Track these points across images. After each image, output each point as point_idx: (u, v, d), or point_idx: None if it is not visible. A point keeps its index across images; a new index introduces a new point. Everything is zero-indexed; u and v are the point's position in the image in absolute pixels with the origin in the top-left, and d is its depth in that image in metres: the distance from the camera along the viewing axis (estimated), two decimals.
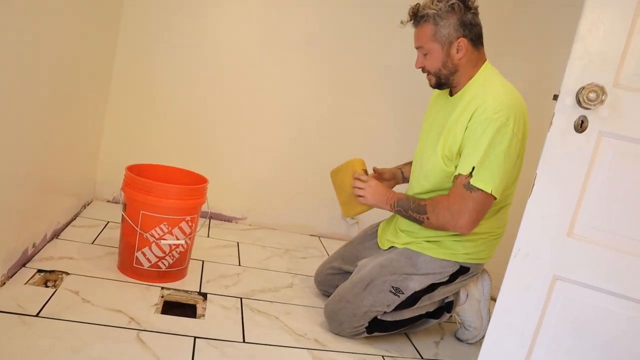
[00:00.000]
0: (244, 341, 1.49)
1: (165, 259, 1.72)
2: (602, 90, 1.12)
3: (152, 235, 1.68)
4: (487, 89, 1.50)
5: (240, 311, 1.67)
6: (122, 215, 1.72)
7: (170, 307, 1.60)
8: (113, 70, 2.34)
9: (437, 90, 1.72)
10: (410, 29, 1.60)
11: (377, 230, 1.86)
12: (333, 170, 1.84)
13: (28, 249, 1.64)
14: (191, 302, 1.66)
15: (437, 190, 1.59)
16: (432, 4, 1.52)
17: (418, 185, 1.66)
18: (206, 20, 2.38)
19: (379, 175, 1.85)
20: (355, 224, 2.69)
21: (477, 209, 1.47)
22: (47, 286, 1.54)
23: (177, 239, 1.71)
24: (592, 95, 1.13)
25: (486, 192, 1.45)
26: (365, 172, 1.73)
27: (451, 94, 1.63)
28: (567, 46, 1.18)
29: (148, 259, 1.70)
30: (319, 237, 2.66)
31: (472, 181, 1.44)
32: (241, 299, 1.76)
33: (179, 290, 1.72)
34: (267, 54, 2.46)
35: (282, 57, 2.47)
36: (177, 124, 2.44)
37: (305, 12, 2.46)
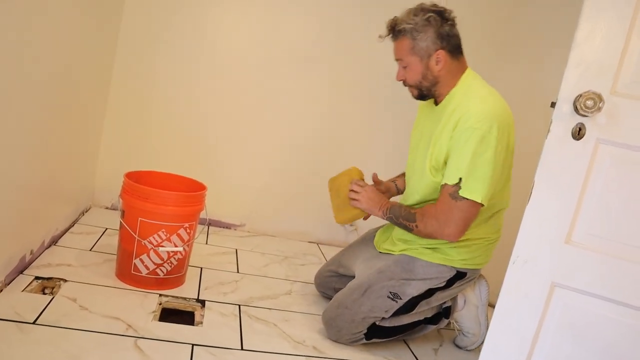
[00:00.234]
0: (242, 348, 1.49)
1: (164, 266, 1.72)
2: (600, 98, 1.13)
3: (151, 242, 1.67)
4: (470, 98, 1.51)
5: (238, 318, 1.66)
6: (120, 222, 1.72)
7: (168, 314, 1.59)
8: (112, 75, 2.34)
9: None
10: None
11: (374, 236, 1.87)
12: (331, 179, 1.87)
13: (26, 255, 1.63)
14: (189, 309, 1.66)
15: (427, 200, 1.62)
16: (409, 17, 1.54)
17: (415, 194, 1.67)
18: (206, 21, 2.39)
19: (376, 184, 1.86)
20: (354, 231, 2.69)
21: (464, 217, 1.49)
22: (44, 293, 1.53)
23: (176, 246, 1.71)
24: (589, 103, 1.13)
25: (474, 201, 1.46)
26: (363, 181, 1.75)
27: (436, 104, 1.65)
28: (567, 46, 1.18)
29: (146, 266, 1.70)
30: (317, 244, 2.66)
31: (461, 192, 1.46)
32: (239, 306, 1.75)
33: (177, 297, 1.71)
34: (267, 55, 2.46)
35: (282, 58, 2.48)
36: (176, 130, 2.44)
37: (306, 12, 2.47)
